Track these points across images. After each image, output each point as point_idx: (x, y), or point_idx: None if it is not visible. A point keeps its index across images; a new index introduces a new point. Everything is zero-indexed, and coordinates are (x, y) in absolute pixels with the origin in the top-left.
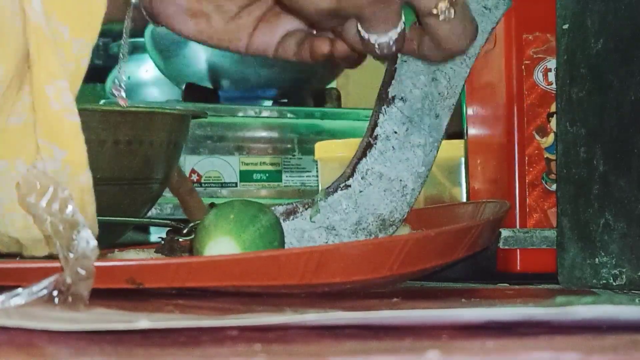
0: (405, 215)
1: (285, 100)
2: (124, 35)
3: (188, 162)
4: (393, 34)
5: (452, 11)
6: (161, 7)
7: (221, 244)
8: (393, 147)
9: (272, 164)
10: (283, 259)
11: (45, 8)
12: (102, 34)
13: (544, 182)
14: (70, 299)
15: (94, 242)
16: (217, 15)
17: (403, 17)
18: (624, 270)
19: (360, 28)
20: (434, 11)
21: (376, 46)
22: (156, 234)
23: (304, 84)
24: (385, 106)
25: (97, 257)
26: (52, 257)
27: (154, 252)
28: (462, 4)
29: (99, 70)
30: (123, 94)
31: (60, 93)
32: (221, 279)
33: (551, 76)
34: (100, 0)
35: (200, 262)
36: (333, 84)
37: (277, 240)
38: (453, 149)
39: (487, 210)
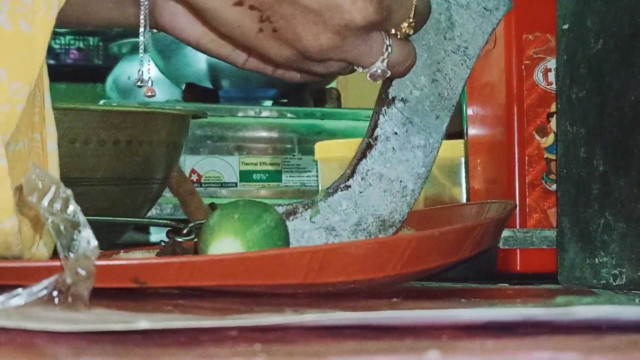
0: (405, 216)
1: (285, 100)
2: (142, 27)
3: (188, 162)
4: (379, 64)
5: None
6: (167, 4)
7: (225, 243)
8: (393, 148)
9: (272, 164)
10: (286, 258)
11: None
12: (102, 34)
13: (543, 182)
14: (70, 299)
15: (94, 243)
16: None
17: (388, 41)
18: (623, 270)
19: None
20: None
21: (368, 77)
22: (156, 234)
23: (304, 84)
24: (385, 107)
25: (104, 258)
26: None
27: (156, 255)
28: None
29: (99, 71)
30: (149, 84)
31: None
32: (225, 278)
33: (551, 76)
34: (40, 49)
35: (204, 261)
36: (333, 84)
37: (282, 239)
38: (453, 149)
39: (492, 211)
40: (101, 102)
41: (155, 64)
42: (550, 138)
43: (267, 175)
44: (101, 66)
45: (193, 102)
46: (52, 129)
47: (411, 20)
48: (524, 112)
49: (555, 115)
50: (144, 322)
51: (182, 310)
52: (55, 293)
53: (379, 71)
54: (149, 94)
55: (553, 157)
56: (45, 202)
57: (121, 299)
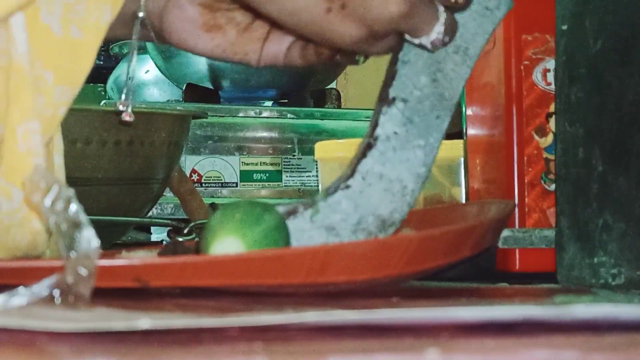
0: (405, 216)
1: (286, 101)
2: (132, 52)
3: (189, 162)
4: (439, 28)
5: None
6: (174, 25)
7: (227, 243)
8: (394, 147)
9: (272, 164)
10: (288, 258)
11: (31, 54)
12: None
13: (542, 182)
14: (71, 298)
15: (96, 242)
16: (230, 27)
17: (440, 8)
18: (622, 269)
19: (407, 37)
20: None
21: (429, 47)
22: (157, 234)
23: (304, 85)
24: (386, 107)
25: (105, 258)
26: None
27: (157, 254)
28: None
29: (100, 71)
30: (129, 110)
31: (29, 135)
32: (226, 277)
33: (550, 77)
34: (89, 55)
35: (206, 261)
36: (333, 85)
37: (283, 239)
38: (452, 149)
39: (491, 211)
40: (102, 102)
41: (156, 65)
42: (549, 138)
43: (267, 175)
44: (102, 67)
45: (193, 103)
46: (58, 142)
47: None
48: (523, 113)
49: (554, 116)
50: (145, 321)
51: (183, 309)
52: (56, 292)
53: (440, 36)
54: (127, 118)
55: (552, 157)
56: (47, 201)
57: (122, 298)
